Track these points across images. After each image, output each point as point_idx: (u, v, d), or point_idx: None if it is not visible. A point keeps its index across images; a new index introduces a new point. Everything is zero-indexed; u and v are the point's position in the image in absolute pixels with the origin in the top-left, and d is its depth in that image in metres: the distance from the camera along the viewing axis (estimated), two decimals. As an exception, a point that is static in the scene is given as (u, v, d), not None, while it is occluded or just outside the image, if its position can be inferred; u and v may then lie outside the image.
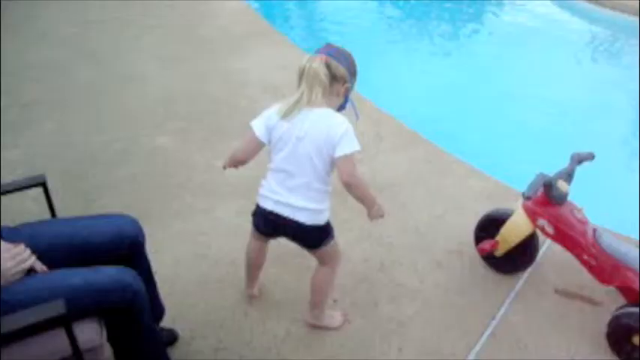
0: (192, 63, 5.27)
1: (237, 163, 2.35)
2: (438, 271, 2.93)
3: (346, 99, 2.24)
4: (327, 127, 2.10)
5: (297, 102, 2.13)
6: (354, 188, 2.16)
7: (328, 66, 2.11)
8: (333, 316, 2.62)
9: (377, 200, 2.28)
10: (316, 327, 2.57)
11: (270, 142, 2.22)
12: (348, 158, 2.10)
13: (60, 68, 5.17)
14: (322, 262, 2.44)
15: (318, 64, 2.09)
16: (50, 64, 5.24)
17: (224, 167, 2.40)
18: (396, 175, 3.71)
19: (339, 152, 2.09)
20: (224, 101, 4.61)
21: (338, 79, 2.14)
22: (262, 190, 2.28)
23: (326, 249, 2.35)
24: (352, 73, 2.20)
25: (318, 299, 2.52)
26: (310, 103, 2.11)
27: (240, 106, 4.51)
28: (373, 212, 2.29)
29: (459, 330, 2.60)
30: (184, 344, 2.48)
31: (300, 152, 2.14)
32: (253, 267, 2.65)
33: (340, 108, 2.25)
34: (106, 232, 2.02)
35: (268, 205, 2.25)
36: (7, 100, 4.56)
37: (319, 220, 2.25)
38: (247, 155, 2.31)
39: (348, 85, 2.19)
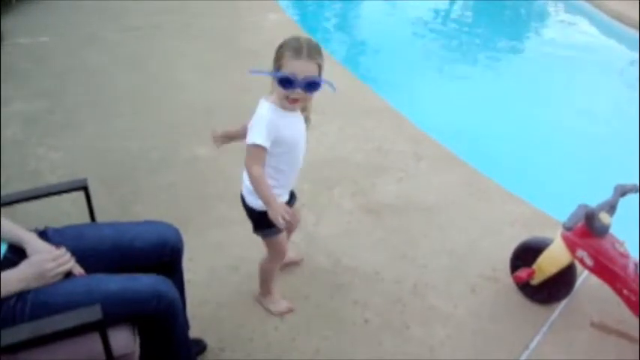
0: (234, 74, 5.30)
1: None
2: (472, 296, 2.89)
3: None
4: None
5: None
6: (249, 177, 2.15)
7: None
8: (275, 302, 2.73)
9: (275, 203, 2.08)
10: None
11: None
12: (248, 148, 2.12)
13: (103, 73, 5.28)
14: (267, 249, 2.56)
15: None
16: (93, 69, 5.35)
17: None
18: (433, 196, 3.67)
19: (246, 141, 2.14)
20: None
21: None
22: None
23: (264, 239, 2.47)
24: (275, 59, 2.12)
25: (260, 282, 2.70)
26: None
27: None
28: (270, 212, 2.09)
29: (490, 358, 2.56)
30: (213, 356, 2.48)
31: None
32: None
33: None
34: (150, 238, 2.04)
35: None
36: (51, 103, 4.67)
37: (251, 201, 2.35)
38: None
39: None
